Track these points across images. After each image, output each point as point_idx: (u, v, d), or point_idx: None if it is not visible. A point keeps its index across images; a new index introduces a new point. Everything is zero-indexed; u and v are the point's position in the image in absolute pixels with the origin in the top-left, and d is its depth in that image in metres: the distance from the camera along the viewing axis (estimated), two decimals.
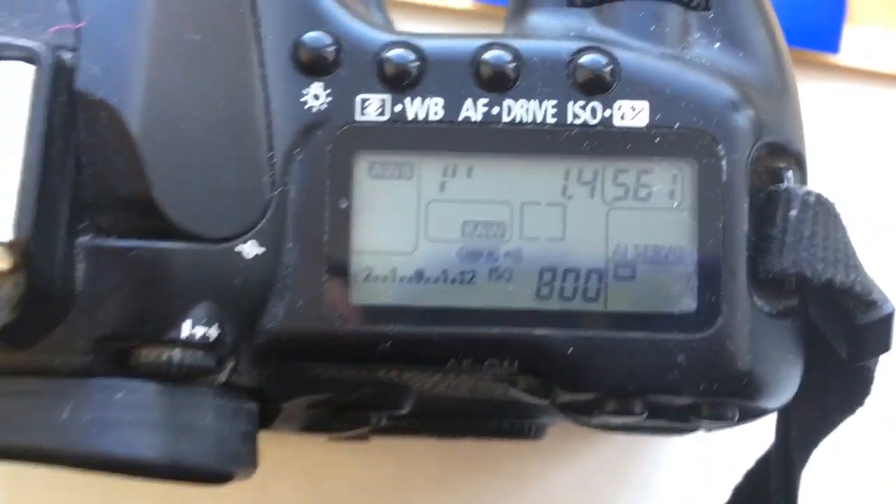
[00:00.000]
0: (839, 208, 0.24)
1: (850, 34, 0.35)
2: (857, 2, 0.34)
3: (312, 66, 0.23)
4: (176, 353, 0.21)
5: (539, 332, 0.23)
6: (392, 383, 0.25)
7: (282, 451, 0.33)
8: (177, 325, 0.21)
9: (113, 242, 0.21)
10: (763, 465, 0.29)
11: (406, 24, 0.35)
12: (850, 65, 0.35)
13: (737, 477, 0.29)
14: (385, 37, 0.23)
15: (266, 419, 0.25)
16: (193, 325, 0.21)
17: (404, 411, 0.27)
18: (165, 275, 0.21)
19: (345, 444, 0.32)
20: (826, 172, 0.34)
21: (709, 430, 0.26)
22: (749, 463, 0.29)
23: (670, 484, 0.34)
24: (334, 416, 0.27)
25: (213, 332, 0.22)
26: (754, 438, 0.28)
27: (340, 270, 0.23)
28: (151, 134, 0.21)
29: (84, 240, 0.21)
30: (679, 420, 0.24)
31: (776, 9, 0.34)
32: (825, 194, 0.24)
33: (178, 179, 0.21)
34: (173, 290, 0.21)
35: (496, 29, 0.26)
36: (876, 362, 0.25)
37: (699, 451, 0.34)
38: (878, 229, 0.34)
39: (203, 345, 0.22)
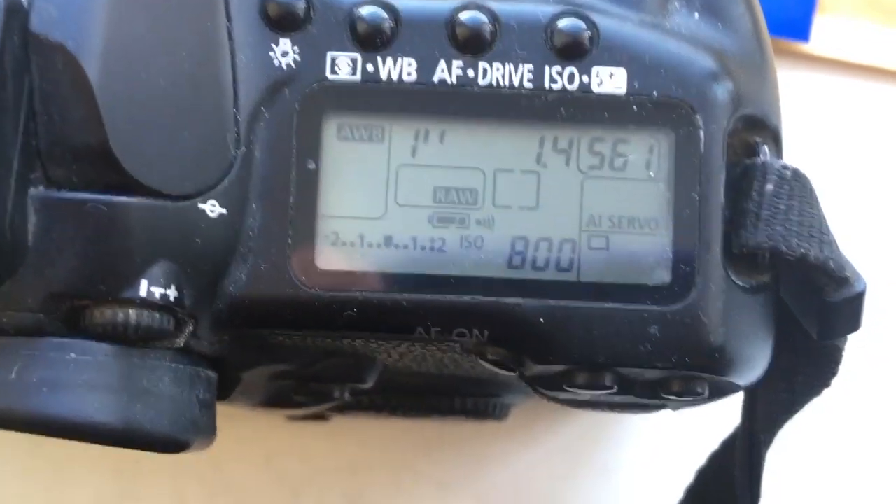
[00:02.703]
0: None
1: (821, 23, 0.35)
2: None
3: (281, 21, 0.22)
4: (132, 314, 0.21)
5: (510, 301, 0.22)
6: (356, 354, 0.24)
7: (239, 430, 0.32)
8: (133, 285, 0.21)
9: (67, 195, 0.21)
10: (727, 447, 0.29)
11: None
12: (821, 54, 0.35)
13: (699, 460, 0.29)
14: None
15: (225, 390, 0.24)
16: (151, 285, 0.21)
17: (368, 385, 0.26)
18: (122, 230, 0.21)
19: (304, 424, 0.32)
20: (796, 160, 0.34)
21: (675, 408, 0.25)
22: (712, 446, 0.29)
23: (633, 466, 0.34)
24: (296, 390, 0.26)
25: (172, 293, 0.21)
26: (718, 422, 0.28)
27: (306, 234, 0.22)
28: (110, 81, 0.20)
29: (36, 191, 0.20)
30: (648, 395, 0.24)
31: None
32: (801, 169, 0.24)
33: (137, 131, 0.21)
34: (130, 247, 0.21)
35: None
36: (845, 341, 0.25)
37: (662, 434, 0.34)
38: (848, 216, 0.34)
39: (161, 306, 0.21)
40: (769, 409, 0.26)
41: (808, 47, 0.35)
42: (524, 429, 0.34)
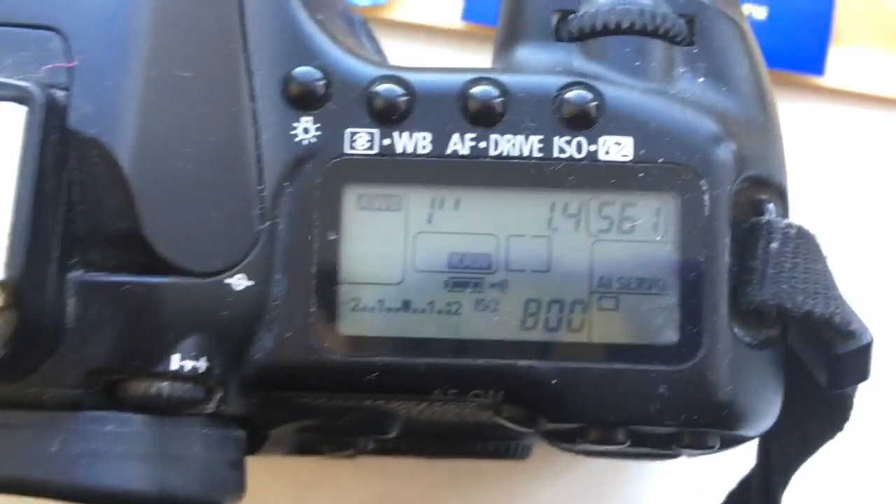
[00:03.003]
0: (824, 229, 0.24)
1: (836, 55, 0.35)
2: (842, 23, 0.35)
3: (302, 100, 0.23)
4: (165, 386, 0.22)
5: (523, 363, 0.23)
6: (379, 410, 0.25)
7: (271, 465, 0.33)
8: (166, 359, 0.22)
9: (103, 278, 0.22)
10: (745, 486, 0.29)
11: (396, 44, 0.35)
12: (836, 86, 0.35)
13: (720, 496, 0.29)
14: (374, 71, 0.23)
15: (254, 445, 0.25)
16: (182, 358, 0.22)
17: (391, 435, 0.27)
18: (155, 309, 0.22)
19: (332, 460, 0.32)
20: (812, 193, 0.34)
21: (691, 456, 0.26)
22: (732, 482, 0.29)
23: (654, 502, 0.35)
24: (321, 441, 0.27)
25: (202, 365, 0.22)
26: (738, 458, 0.28)
27: (328, 301, 0.23)
28: (143, 171, 0.21)
29: (75, 275, 0.22)
30: (661, 448, 0.24)
31: (762, 31, 0.35)
32: (806, 226, 0.24)
33: (168, 215, 0.22)
34: (162, 324, 0.22)
35: (485, 48, 0.26)
36: (855, 389, 0.25)
37: (684, 469, 0.34)
38: (863, 249, 0.34)
39: (192, 377, 0.22)
40: (783, 452, 0.27)
41: (823, 80, 0.35)
42: (548, 465, 0.34)
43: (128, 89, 0.21)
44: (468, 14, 0.34)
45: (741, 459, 0.28)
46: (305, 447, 0.28)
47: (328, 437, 0.27)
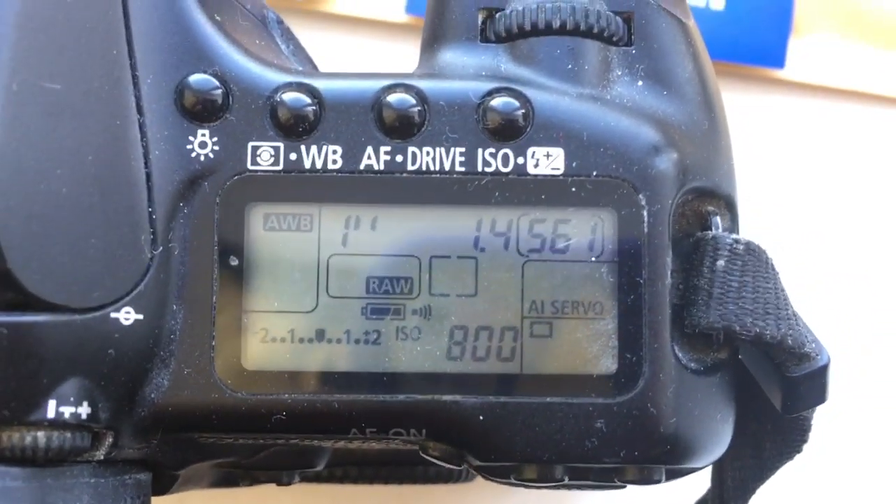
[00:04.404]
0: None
1: (796, 47, 0.34)
2: (802, 12, 0.34)
3: (198, 111, 0.21)
4: (40, 437, 0.20)
5: (448, 398, 0.21)
6: (299, 444, 0.23)
7: (207, 495, 0.31)
8: (40, 406, 0.20)
9: None
10: None
11: (336, 38, 0.33)
12: (797, 79, 0.34)
13: None
14: (279, 78, 0.21)
15: (164, 485, 0.23)
16: (59, 405, 0.20)
17: (318, 468, 0.25)
18: (24, 352, 0.20)
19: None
20: (773, 189, 0.33)
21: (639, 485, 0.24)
22: (692, 494, 0.28)
23: None
24: (241, 476, 0.26)
25: (84, 410, 0.20)
26: (697, 475, 0.27)
27: (232, 333, 0.21)
28: (5, 197, 0.19)
29: None
30: (603, 482, 0.23)
31: (720, 23, 0.33)
32: (755, 241, 0.22)
33: (38, 246, 0.20)
34: (34, 368, 0.20)
35: None
36: (813, 411, 0.24)
37: (636, 487, 0.33)
38: (824, 242, 0.33)
39: (72, 425, 0.20)
40: (738, 476, 0.25)
41: (783, 73, 0.34)
42: (495, 484, 0.33)
43: None
44: (412, 7, 0.33)
45: (700, 476, 0.27)
46: (226, 481, 0.26)
47: (247, 474, 0.25)
